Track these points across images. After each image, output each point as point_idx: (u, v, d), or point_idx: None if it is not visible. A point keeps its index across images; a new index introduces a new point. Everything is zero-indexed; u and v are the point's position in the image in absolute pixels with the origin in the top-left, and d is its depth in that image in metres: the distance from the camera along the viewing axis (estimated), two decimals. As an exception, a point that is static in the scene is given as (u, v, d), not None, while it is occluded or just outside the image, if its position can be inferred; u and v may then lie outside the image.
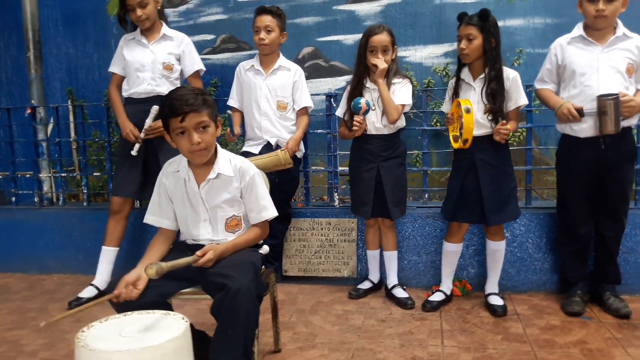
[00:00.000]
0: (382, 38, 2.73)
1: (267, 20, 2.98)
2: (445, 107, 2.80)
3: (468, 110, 2.49)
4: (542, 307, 2.74)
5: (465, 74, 2.68)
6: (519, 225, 2.99)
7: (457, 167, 2.73)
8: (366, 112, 2.75)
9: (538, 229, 2.98)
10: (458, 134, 2.60)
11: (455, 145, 2.64)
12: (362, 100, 2.72)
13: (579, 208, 2.66)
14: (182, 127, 1.80)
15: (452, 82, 2.76)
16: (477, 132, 2.55)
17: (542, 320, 2.56)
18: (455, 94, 2.69)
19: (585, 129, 2.53)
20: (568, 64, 2.58)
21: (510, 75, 2.61)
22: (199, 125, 1.81)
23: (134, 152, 2.90)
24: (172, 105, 1.79)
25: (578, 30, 2.60)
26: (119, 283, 1.71)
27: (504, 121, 2.53)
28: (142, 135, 2.91)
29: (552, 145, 2.78)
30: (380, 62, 2.71)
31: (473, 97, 2.60)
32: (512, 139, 3.62)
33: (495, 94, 2.55)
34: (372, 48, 2.75)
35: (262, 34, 2.98)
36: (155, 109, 2.87)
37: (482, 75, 2.60)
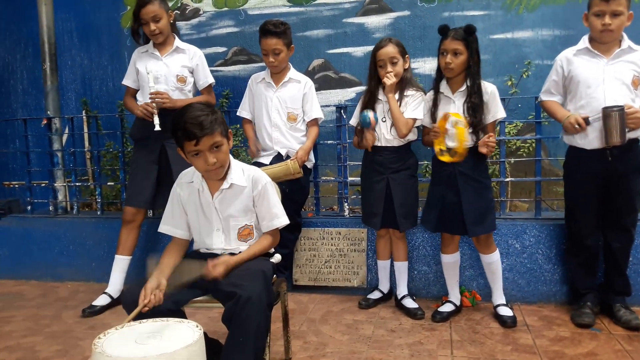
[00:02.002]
0: (388, 50, 2.76)
1: (273, 43, 2.99)
2: (425, 120, 2.78)
3: (460, 124, 2.53)
4: (551, 318, 2.74)
5: (444, 87, 2.70)
6: (529, 236, 2.99)
7: (436, 178, 2.76)
8: (376, 123, 2.79)
9: (548, 240, 2.98)
10: (444, 147, 2.63)
11: (444, 159, 2.65)
12: (370, 115, 2.75)
13: (587, 219, 2.66)
14: (196, 150, 1.85)
15: (430, 94, 2.78)
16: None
17: (551, 332, 2.56)
18: (434, 107, 2.71)
19: (591, 140, 2.55)
20: (574, 76, 2.60)
21: (489, 89, 2.64)
22: (212, 146, 1.85)
23: (157, 127, 2.88)
24: (185, 129, 1.81)
25: (584, 42, 2.62)
26: (143, 292, 1.74)
27: (491, 134, 2.55)
28: (153, 105, 2.90)
29: (562, 157, 2.79)
30: (388, 77, 2.74)
31: (452, 110, 2.63)
32: (522, 150, 3.64)
33: (475, 108, 2.58)
34: (380, 62, 2.79)
35: (271, 58, 3.02)
36: (151, 75, 2.92)
37: (462, 89, 2.63)
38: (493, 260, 2.74)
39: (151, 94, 2.93)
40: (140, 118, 3.07)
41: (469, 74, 2.60)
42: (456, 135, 2.53)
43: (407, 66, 2.83)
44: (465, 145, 2.55)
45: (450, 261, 2.82)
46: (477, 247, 2.79)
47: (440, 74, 2.70)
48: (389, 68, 2.77)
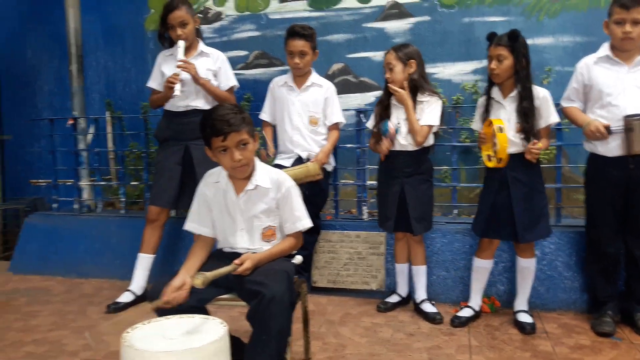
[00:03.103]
0: (386, 57, 2.86)
1: (300, 45, 3.06)
2: (476, 125, 2.83)
3: (501, 130, 2.52)
4: (571, 326, 2.73)
5: (496, 92, 2.72)
6: (549, 243, 2.99)
7: (488, 184, 2.75)
8: (396, 131, 2.82)
9: (568, 247, 2.98)
10: (492, 153, 2.63)
11: (490, 165, 2.66)
12: (390, 125, 2.79)
13: (607, 227, 2.66)
14: (223, 146, 1.90)
15: (482, 100, 2.80)
16: (509, 149, 2.57)
17: (571, 340, 2.55)
18: (486, 112, 2.73)
19: (612, 148, 2.55)
20: (595, 84, 2.60)
21: (541, 94, 2.63)
22: (239, 143, 1.90)
23: (177, 92, 2.93)
24: (214, 125, 1.88)
25: (604, 50, 2.62)
26: (166, 289, 1.79)
27: (535, 140, 2.55)
28: (178, 73, 2.95)
29: (582, 164, 2.79)
30: (393, 87, 2.80)
31: (504, 116, 2.64)
32: (543, 156, 3.62)
33: (527, 113, 2.58)
34: (385, 67, 2.87)
35: (297, 59, 3.07)
36: (181, 43, 2.99)
37: (513, 94, 2.64)
38: (529, 266, 2.74)
39: (179, 60, 2.97)
40: (165, 118, 3.15)
41: (518, 79, 2.60)
42: (498, 141, 2.53)
43: (411, 71, 2.83)
44: (507, 151, 2.53)
45: (482, 266, 2.81)
46: (516, 250, 2.78)
47: (490, 80, 2.72)
48: (387, 74, 2.83)
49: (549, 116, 2.63)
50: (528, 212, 2.62)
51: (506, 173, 2.63)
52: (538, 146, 2.54)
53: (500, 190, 2.66)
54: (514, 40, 2.58)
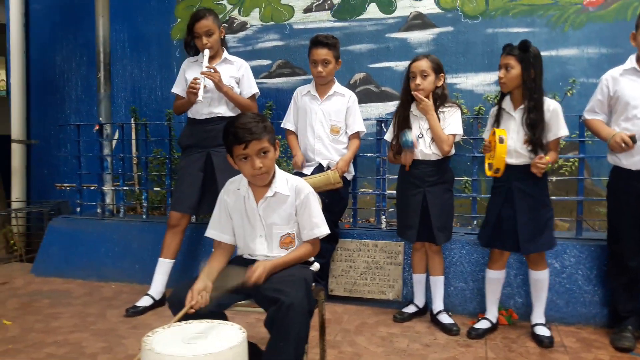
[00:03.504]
0: (420, 63, 2.82)
1: (323, 53, 3.10)
2: (486, 134, 2.83)
3: (502, 140, 2.53)
4: (590, 340, 2.69)
5: (507, 103, 2.72)
6: (569, 256, 2.96)
7: (495, 194, 2.76)
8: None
9: (588, 260, 2.94)
10: (493, 162, 2.65)
11: (488, 173, 2.68)
12: (412, 136, 2.79)
13: (630, 240, 2.62)
14: (245, 154, 1.93)
15: (493, 110, 2.81)
16: (515, 161, 2.59)
17: (590, 354, 2.52)
18: (497, 122, 2.73)
19: (636, 161, 2.52)
20: (620, 96, 2.58)
21: (551, 107, 2.63)
22: (260, 151, 1.94)
23: (200, 98, 2.97)
24: (236, 134, 1.92)
25: (630, 62, 2.60)
26: (189, 294, 1.82)
27: (542, 154, 2.55)
28: (201, 78, 2.98)
29: (605, 176, 2.76)
30: (417, 93, 2.78)
31: (513, 127, 2.64)
32: (564, 169, 3.60)
33: (534, 125, 2.58)
34: (412, 74, 2.85)
35: (320, 68, 3.11)
36: (207, 52, 3.05)
37: (523, 106, 2.63)
38: (541, 278, 2.72)
39: (207, 67, 3.02)
40: (188, 125, 3.21)
41: (526, 89, 2.60)
42: (496, 151, 2.54)
43: (440, 84, 2.85)
44: (504, 162, 2.55)
45: (495, 277, 2.80)
46: (527, 262, 2.77)
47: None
48: (418, 80, 2.81)
49: (558, 129, 2.62)
50: (532, 224, 2.61)
51: (512, 184, 2.64)
52: (544, 160, 2.53)
53: (505, 201, 2.67)
54: (524, 50, 2.58)
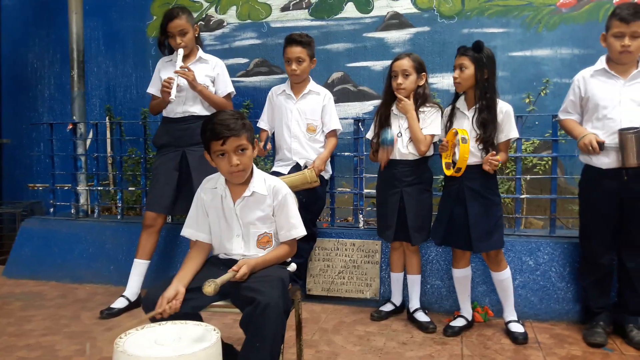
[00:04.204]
0: (402, 62, 2.83)
1: (297, 51, 3.10)
2: (443, 134, 2.83)
3: (465, 140, 2.56)
4: (563, 336, 2.74)
5: (461, 103, 2.76)
6: (543, 253, 3.01)
7: (446, 194, 2.79)
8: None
9: (562, 258, 2.99)
10: (450, 161, 2.68)
11: (448, 173, 2.71)
12: (394, 134, 2.81)
13: (601, 238, 2.67)
14: (222, 150, 1.92)
15: (447, 110, 2.84)
16: (467, 160, 2.63)
17: (563, 350, 2.56)
18: (449, 122, 2.77)
19: (607, 162, 2.57)
20: (591, 97, 2.63)
21: (504, 109, 2.67)
22: (238, 148, 1.93)
23: (173, 97, 2.93)
24: (214, 130, 1.90)
25: (601, 63, 2.65)
26: (160, 301, 1.80)
27: (494, 152, 2.59)
28: (175, 77, 2.96)
29: (578, 175, 2.81)
30: (401, 96, 2.80)
31: (466, 126, 2.68)
32: (538, 167, 3.66)
33: (485, 124, 2.62)
34: (394, 73, 2.85)
35: (294, 66, 3.11)
36: (181, 51, 3.03)
37: (477, 105, 2.67)
38: (503, 278, 2.75)
39: (180, 66, 2.99)
40: (162, 124, 3.18)
41: (477, 88, 2.64)
42: (459, 151, 2.57)
43: (421, 83, 2.86)
44: (465, 161, 2.58)
45: (461, 276, 2.83)
46: (487, 264, 2.81)
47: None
48: (400, 79, 2.82)
49: (509, 131, 2.67)
50: (483, 223, 2.65)
51: (463, 184, 2.67)
52: (497, 157, 2.57)
53: (457, 200, 2.70)
54: (478, 51, 2.62)
